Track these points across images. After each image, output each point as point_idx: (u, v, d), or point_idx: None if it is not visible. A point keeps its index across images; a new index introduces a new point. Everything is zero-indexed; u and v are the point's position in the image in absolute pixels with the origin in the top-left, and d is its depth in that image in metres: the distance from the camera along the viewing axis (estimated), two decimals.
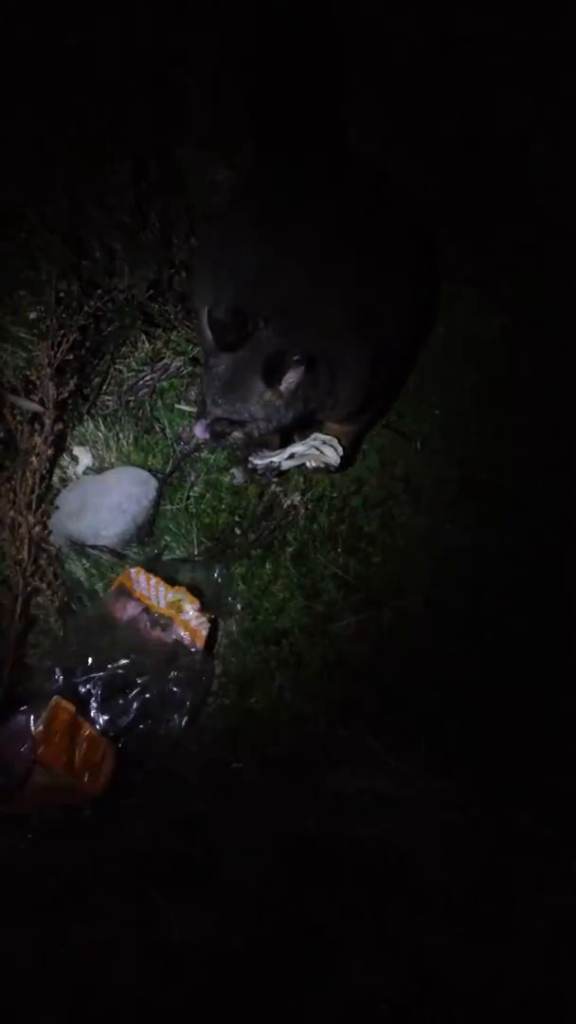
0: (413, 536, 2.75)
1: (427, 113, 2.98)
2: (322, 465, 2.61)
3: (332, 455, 2.58)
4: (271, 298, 2.33)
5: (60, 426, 2.76)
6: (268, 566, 2.75)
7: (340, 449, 2.58)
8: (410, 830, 2.20)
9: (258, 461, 2.61)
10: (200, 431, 2.39)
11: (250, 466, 2.64)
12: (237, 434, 2.41)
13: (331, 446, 2.59)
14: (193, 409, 2.94)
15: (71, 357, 2.73)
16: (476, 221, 3.00)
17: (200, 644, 2.59)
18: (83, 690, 2.49)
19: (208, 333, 2.29)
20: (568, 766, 2.28)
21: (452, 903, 2.04)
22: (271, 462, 2.58)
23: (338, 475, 2.79)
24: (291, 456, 2.61)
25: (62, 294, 2.70)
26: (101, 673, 2.50)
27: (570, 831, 2.09)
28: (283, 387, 2.26)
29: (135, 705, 2.50)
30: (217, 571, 2.71)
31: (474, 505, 2.77)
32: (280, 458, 2.61)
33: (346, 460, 2.66)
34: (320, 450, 2.59)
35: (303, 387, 2.29)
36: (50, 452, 2.73)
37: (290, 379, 2.24)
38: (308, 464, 2.62)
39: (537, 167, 3.00)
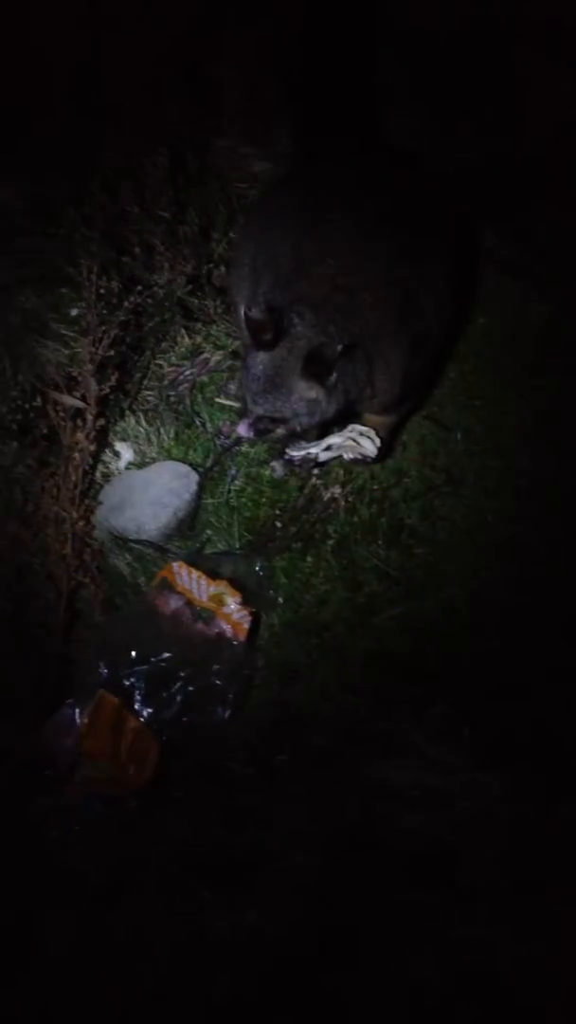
0: (455, 528, 2.74)
1: (465, 99, 2.96)
2: (359, 456, 2.61)
3: (369, 446, 2.58)
4: (308, 289, 2.33)
5: (102, 422, 2.77)
6: (309, 559, 2.75)
7: (377, 440, 2.58)
8: (454, 822, 2.19)
9: (295, 453, 2.61)
10: (244, 430, 2.40)
11: (287, 458, 2.64)
12: (280, 430, 2.42)
13: (368, 437, 2.59)
14: (234, 403, 2.95)
15: (112, 353, 2.75)
16: (516, 208, 2.97)
17: (242, 637, 2.60)
18: (127, 683, 2.51)
19: (245, 332, 2.30)
20: None
21: (498, 895, 2.03)
22: (308, 454, 2.58)
23: (378, 467, 2.79)
24: (328, 448, 2.61)
25: (102, 290, 2.71)
26: (145, 666, 2.52)
27: None
28: (324, 381, 2.27)
29: (179, 698, 2.51)
30: (258, 564, 2.72)
31: (516, 496, 2.74)
32: (317, 450, 2.60)
33: (384, 451, 2.66)
34: (357, 441, 2.59)
35: (343, 379, 2.29)
36: (92, 448, 2.76)
37: (330, 372, 2.24)
38: (345, 456, 2.62)
39: None
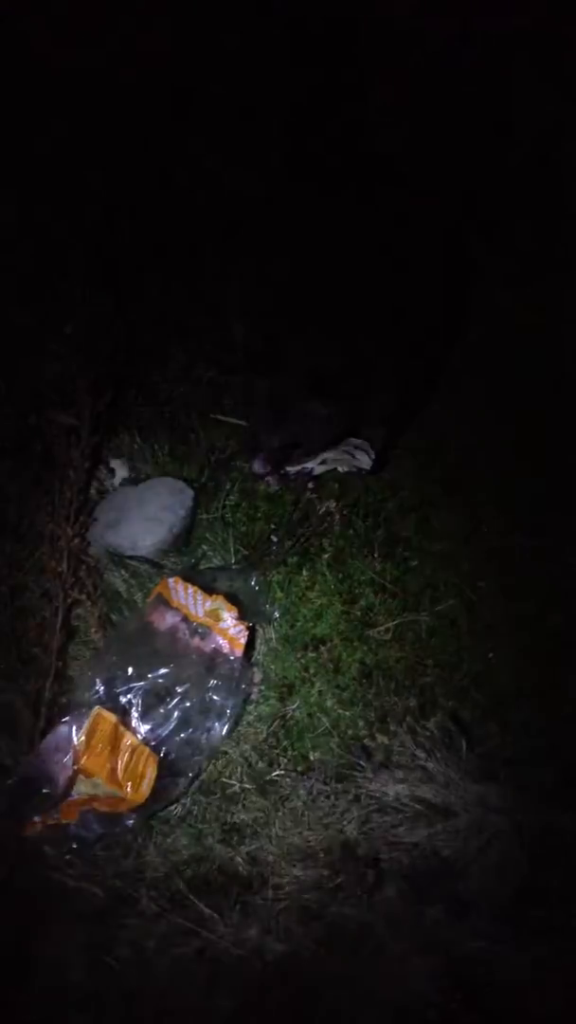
0: (450, 539, 2.74)
1: (453, 114, 2.97)
2: (354, 469, 2.61)
3: (364, 459, 2.58)
4: (302, 305, 2.34)
5: (96, 438, 2.78)
6: (305, 573, 2.75)
7: (372, 452, 2.58)
8: (453, 835, 2.19)
9: (291, 467, 2.61)
10: (260, 467, 2.41)
11: (283, 472, 2.63)
12: (297, 457, 2.42)
13: (363, 450, 2.59)
14: (228, 419, 2.95)
15: (105, 370, 2.76)
16: (505, 221, 2.99)
17: (239, 652, 2.60)
18: (124, 700, 2.51)
19: (243, 357, 2.31)
20: None
21: (497, 909, 2.03)
22: (304, 468, 2.59)
23: (373, 479, 2.79)
24: (323, 461, 2.61)
25: (96, 308, 2.72)
26: (141, 683, 2.52)
27: None
28: (332, 397, 2.27)
29: (176, 714, 2.51)
30: (254, 579, 2.72)
31: (511, 507, 2.75)
32: (313, 463, 2.61)
33: (378, 464, 2.66)
34: (352, 454, 2.59)
35: (347, 391, 2.30)
36: (87, 464, 2.76)
37: (337, 387, 2.25)
38: (340, 469, 2.62)
39: (566, 165, 2.98)
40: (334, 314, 2.34)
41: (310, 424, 2.30)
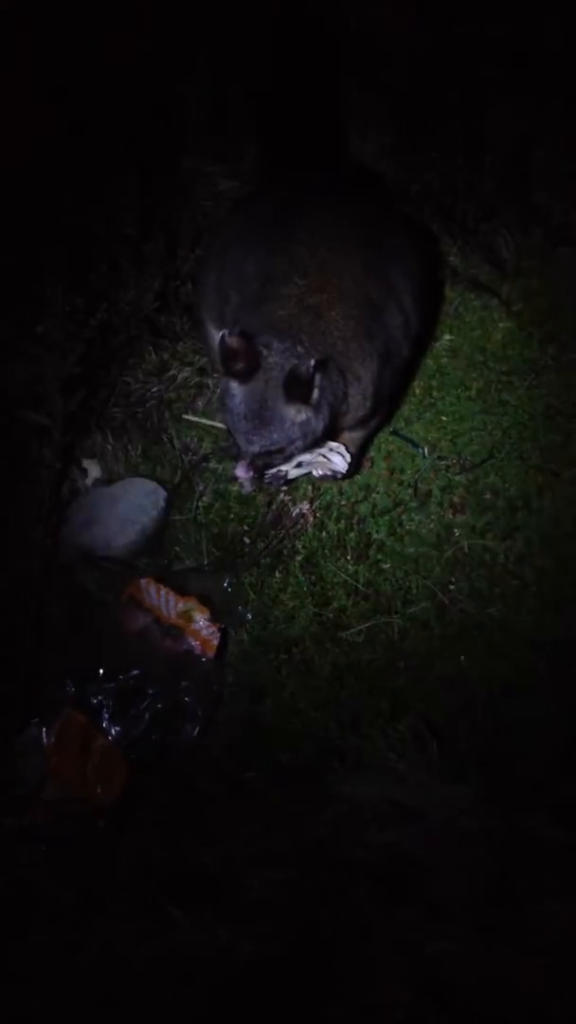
0: (422, 542, 2.75)
1: (428, 119, 2.99)
2: (329, 472, 2.61)
3: (339, 462, 2.58)
4: (274, 312, 2.34)
5: (68, 439, 2.77)
6: (277, 575, 2.75)
7: (347, 456, 2.58)
8: (423, 836, 2.19)
9: (267, 471, 2.60)
10: (243, 474, 2.40)
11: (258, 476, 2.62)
12: (278, 461, 2.42)
13: (338, 453, 2.59)
14: (201, 420, 2.95)
15: (78, 370, 2.74)
16: (480, 226, 3.01)
17: (211, 653, 2.60)
18: (95, 701, 2.50)
19: (218, 363, 2.30)
20: None
21: (467, 910, 2.03)
22: (279, 471, 2.58)
23: (346, 482, 2.80)
24: (299, 464, 2.61)
25: (68, 307, 2.71)
26: (112, 684, 2.51)
27: None
28: (308, 400, 2.27)
29: (147, 715, 2.50)
30: (227, 580, 2.72)
31: (482, 511, 2.76)
32: (288, 466, 2.61)
33: (352, 468, 2.66)
34: (327, 457, 2.59)
35: (324, 394, 2.30)
36: (59, 465, 2.75)
37: (313, 389, 2.25)
38: (315, 472, 2.62)
39: (540, 171, 3.01)
40: (305, 319, 2.34)
41: (290, 428, 2.29)
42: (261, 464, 2.39)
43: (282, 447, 2.33)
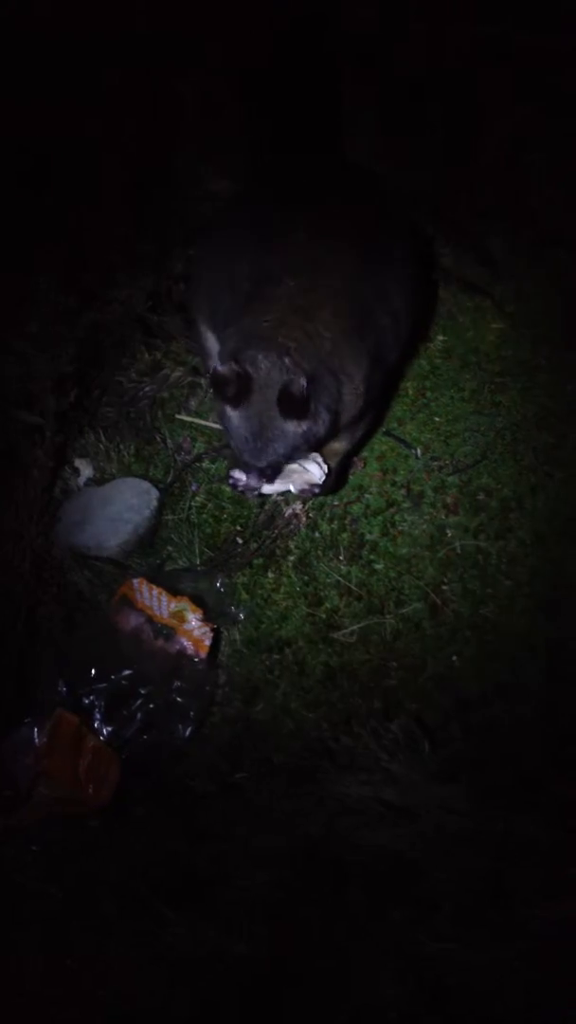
0: (415, 543, 2.75)
1: (422, 121, 2.99)
2: (307, 486, 2.54)
3: (316, 471, 2.50)
4: (260, 324, 2.34)
5: (61, 438, 2.76)
6: (270, 575, 2.75)
7: (324, 465, 2.53)
8: (415, 837, 2.19)
9: (239, 476, 2.50)
10: (255, 483, 2.40)
11: (231, 481, 2.54)
12: (285, 463, 2.42)
13: (315, 462, 2.52)
14: (194, 420, 2.95)
15: (71, 369, 2.74)
16: (473, 228, 3.01)
17: (203, 654, 2.60)
18: (87, 701, 2.49)
19: (209, 363, 2.30)
20: (571, 770, 2.28)
21: (457, 909, 2.03)
22: (250, 484, 2.52)
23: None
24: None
25: (61, 306, 2.71)
26: (104, 684, 2.51)
27: (574, 835, 2.08)
28: (306, 414, 2.27)
29: (139, 716, 2.50)
30: (219, 581, 2.72)
31: (475, 511, 2.76)
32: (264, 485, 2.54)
33: (333, 482, 2.62)
34: (304, 466, 2.53)
35: (319, 400, 2.30)
36: (51, 464, 2.74)
37: (309, 404, 2.24)
38: (293, 488, 2.54)
39: (533, 173, 3.01)
40: (292, 326, 2.34)
41: (292, 440, 2.29)
42: (270, 473, 2.39)
43: (289, 455, 2.34)
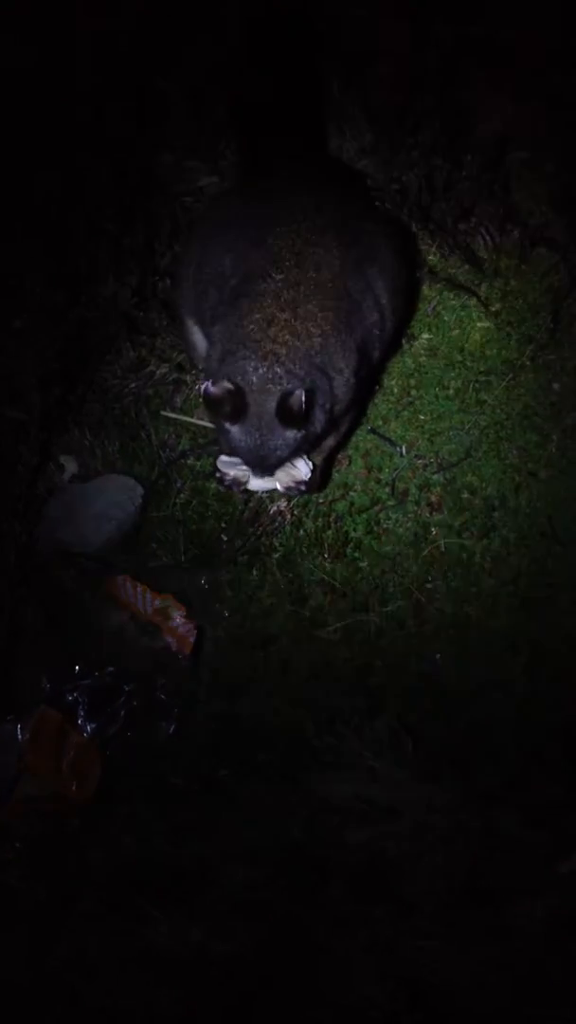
0: (399, 541, 2.76)
1: (407, 119, 2.99)
2: (293, 484, 2.53)
3: (303, 468, 2.50)
4: (251, 308, 2.33)
5: (45, 434, 2.75)
6: (255, 572, 2.75)
7: (310, 463, 2.52)
8: (398, 835, 2.21)
9: (226, 470, 2.50)
10: (261, 484, 2.40)
11: (218, 475, 2.53)
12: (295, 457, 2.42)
13: (302, 459, 2.52)
14: (179, 416, 2.94)
15: (56, 366, 2.73)
16: (459, 226, 3.01)
17: (187, 651, 2.60)
18: (70, 698, 2.49)
19: (198, 362, 2.29)
20: (552, 769, 2.29)
21: (440, 908, 2.04)
22: (236, 477, 2.52)
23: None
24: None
25: (46, 302, 2.69)
26: (88, 681, 2.51)
27: (555, 834, 2.10)
28: (306, 424, 2.27)
29: (122, 713, 2.50)
30: (204, 578, 2.72)
31: (460, 510, 2.77)
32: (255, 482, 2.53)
33: (317, 480, 2.61)
34: (291, 464, 2.52)
35: (315, 402, 2.30)
36: (35, 461, 2.73)
37: (305, 413, 2.24)
38: (279, 486, 2.53)
39: (518, 172, 3.01)
40: (285, 313, 2.34)
41: (292, 443, 2.30)
42: (276, 469, 2.40)
43: (292, 456, 2.35)
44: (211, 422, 2.45)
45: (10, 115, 2.90)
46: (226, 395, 2.21)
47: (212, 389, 2.20)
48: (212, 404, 2.23)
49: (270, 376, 2.25)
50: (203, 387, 2.24)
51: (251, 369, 2.25)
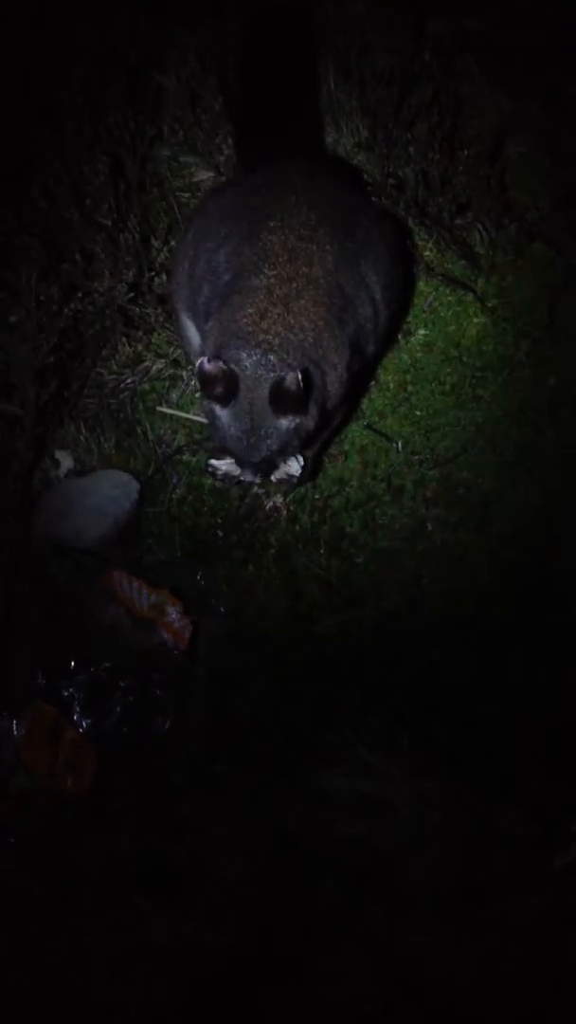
0: (395, 536, 2.76)
1: (404, 113, 2.99)
2: (285, 476, 2.54)
3: (294, 462, 2.51)
4: (244, 303, 2.33)
5: (41, 429, 2.75)
6: (250, 567, 2.75)
7: (301, 459, 2.52)
8: (393, 830, 2.20)
9: (218, 464, 2.54)
10: (251, 477, 2.40)
11: (210, 470, 2.57)
12: (279, 460, 2.42)
13: (293, 456, 2.53)
14: (175, 412, 2.94)
15: (51, 360, 2.72)
16: (455, 221, 3.01)
17: (183, 646, 2.59)
18: (65, 693, 2.49)
19: (194, 361, 2.29)
20: (549, 764, 2.29)
21: (435, 903, 2.04)
22: (229, 472, 2.53)
23: (319, 476, 2.80)
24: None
25: (41, 297, 2.69)
26: (83, 676, 2.50)
27: (551, 829, 2.10)
28: (302, 410, 2.27)
29: (118, 708, 2.50)
30: (199, 573, 2.71)
31: (455, 505, 2.77)
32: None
33: (308, 472, 2.61)
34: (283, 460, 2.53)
35: (309, 391, 2.30)
36: (31, 456, 2.73)
37: (299, 400, 2.24)
38: (272, 477, 2.54)
39: (515, 167, 3.02)
40: (278, 307, 2.34)
41: (284, 435, 2.30)
42: (264, 467, 2.40)
43: (281, 451, 2.35)
44: (203, 411, 2.44)
45: (5, 108, 2.90)
46: (219, 373, 2.22)
47: (207, 366, 2.22)
48: (206, 381, 2.24)
49: (263, 363, 2.27)
50: (199, 363, 2.25)
51: (244, 356, 2.26)
